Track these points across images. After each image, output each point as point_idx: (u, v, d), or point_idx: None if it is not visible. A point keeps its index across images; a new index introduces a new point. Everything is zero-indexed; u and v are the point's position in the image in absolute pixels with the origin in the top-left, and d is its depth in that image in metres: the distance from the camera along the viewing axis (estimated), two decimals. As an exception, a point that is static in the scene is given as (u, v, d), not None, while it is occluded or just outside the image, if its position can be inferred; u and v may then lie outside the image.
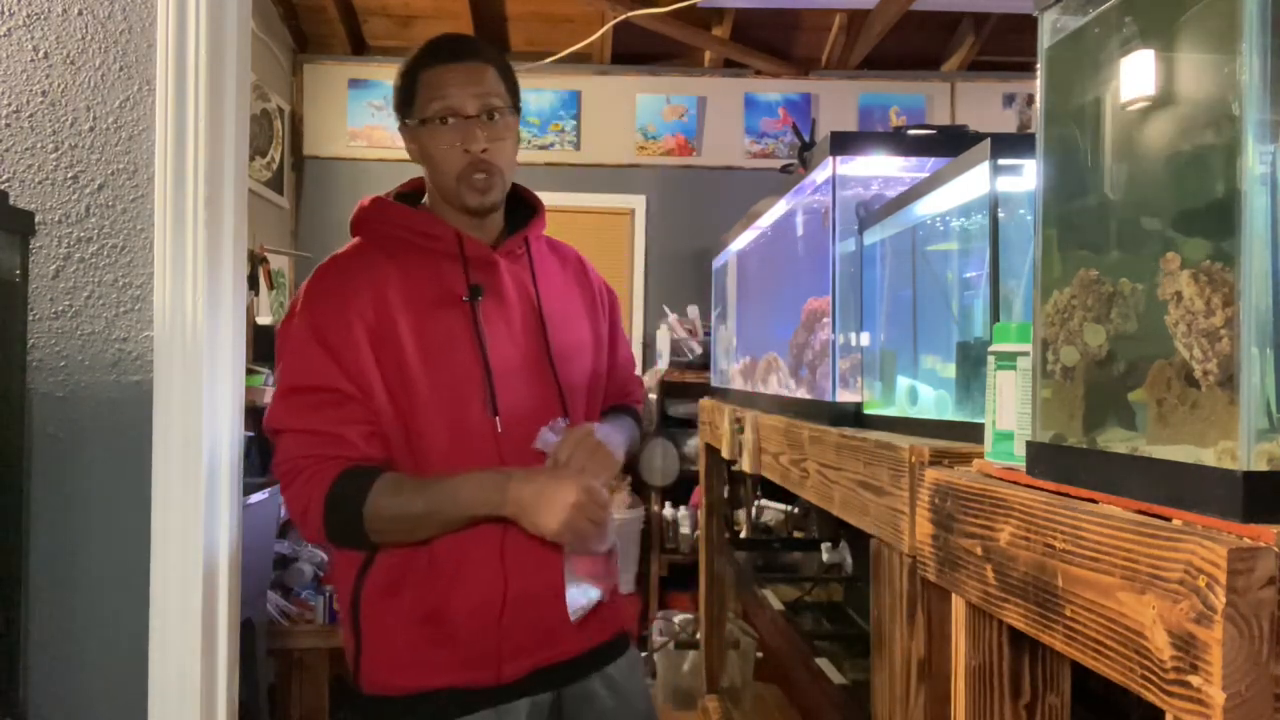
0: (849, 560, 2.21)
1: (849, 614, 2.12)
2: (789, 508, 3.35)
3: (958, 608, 0.96)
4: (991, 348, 0.95)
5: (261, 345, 3.40)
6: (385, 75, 4.87)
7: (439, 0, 4.60)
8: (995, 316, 1.14)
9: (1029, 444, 0.86)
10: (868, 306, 1.55)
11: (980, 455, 0.98)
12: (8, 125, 1.59)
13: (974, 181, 1.20)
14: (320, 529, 1.39)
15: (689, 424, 4.14)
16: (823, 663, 1.73)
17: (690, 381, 4.14)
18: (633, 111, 4.87)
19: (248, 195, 1.76)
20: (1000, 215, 1.15)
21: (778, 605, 2.15)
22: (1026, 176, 1.13)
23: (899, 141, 1.54)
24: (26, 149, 1.60)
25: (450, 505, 1.38)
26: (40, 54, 1.60)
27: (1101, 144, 0.81)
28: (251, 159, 4.08)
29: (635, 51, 4.88)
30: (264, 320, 3.79)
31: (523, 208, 1.60)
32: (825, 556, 2.30)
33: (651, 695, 2.00)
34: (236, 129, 1.67)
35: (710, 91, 4.93)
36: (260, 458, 2.82)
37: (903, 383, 1.45)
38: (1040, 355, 0.84)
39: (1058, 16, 0.85)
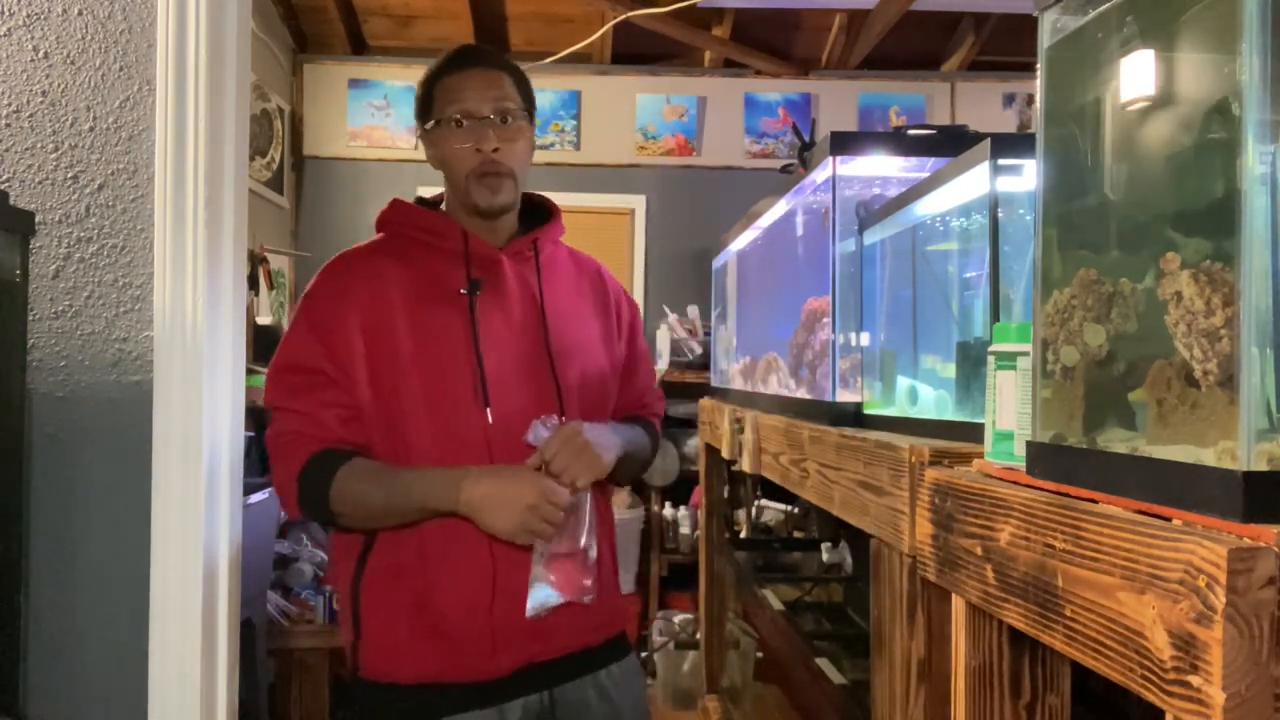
0: (849, 560, 2.21)
1: (849, 614, 2.12)
2: (789, 508, 3.35)
3: (958, 608, 0.96)
4: (991, 348, 0.95)
5: (261, 345, 3.40)
6: (385, 75, 4.88)
7: (439, 0, 4.60)
8: (995, 316, 1.14)
9: (1029, 444, 0.86)
10: (868, 306, 1.55)
11: (980, 455, 0.98)
12: (8, 125, 1.59)
13: (974, 181, 1.20)
14: (295, 505, 1.44)
15: (689, 424, 4.14)
16: (823, 663, 1.74)
17: (690, 381, 4.14)
18: (633, 111, 4.87)
19: (248, 195, 1.76)
20: (1000, 215, 1.15)
21: (778, 605, 2.15)
22: (1026, 176, 1.13)
23: (899, 141, 1.54)
24: (26, 149, 1.60)
25: (405, 499, 1.40)
26: (40, 54, 1.60)
27: (1101, 144, 0.81)
28: (251, 159, 4.08)
29: (635, 51, 4.88)
30: (264, 320, 3.79)
31: (540, 214, 1.62)
32: (825, 556, 2.30)
33: (651, 697, 1.99)
34: (236, 129, 1.67)
35: (710, 91, 4.93)
36: (260, 458, 2.82)
37: (903, 383, 1.45)
38: (1040, 355, 0.84)
39: (1058, 16, 0.85)
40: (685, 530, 4.28)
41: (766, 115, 4.92)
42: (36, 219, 1.59)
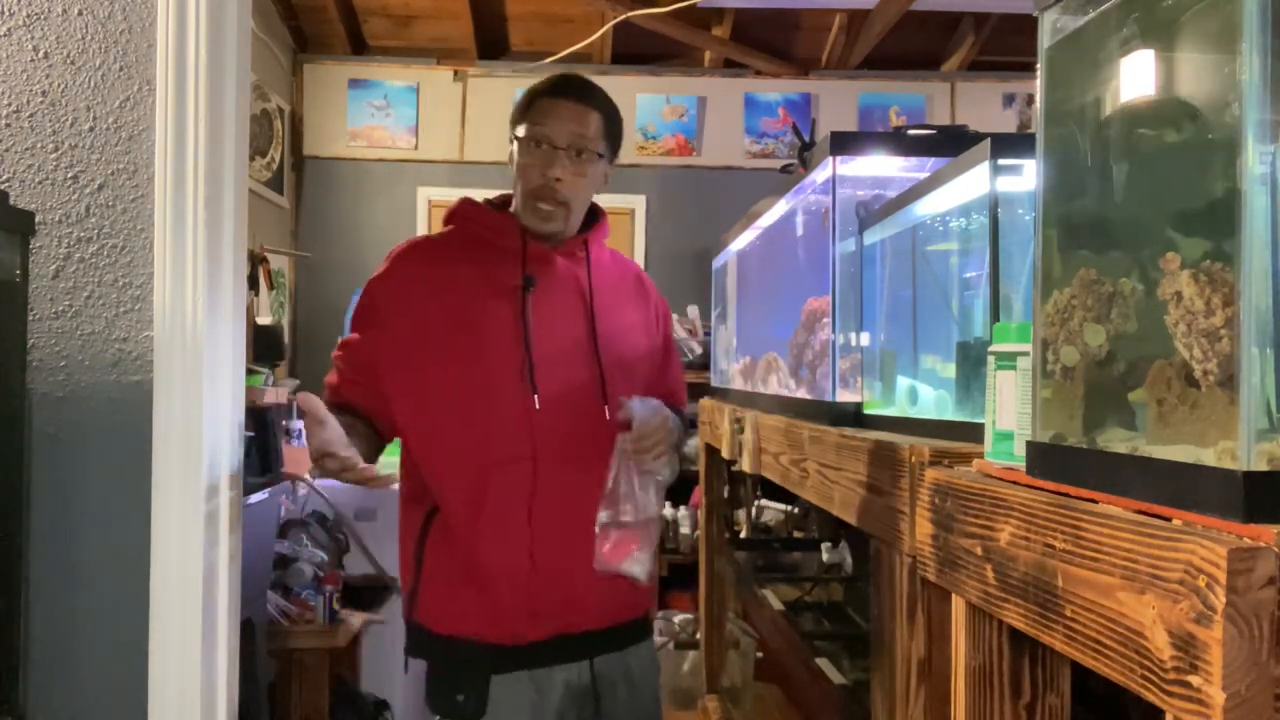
0: (849, 560, 2.21)
1: (849, 614, 2.12)
2: (789, 508, 3.35)
3: (958, 608, 0.96)
4: (991, 348, 0.95)
5: (261, 345, 3.40)
6: (385, 75, 4.88)
7: (439, 0, 4.60)
8: (995, 316, 1.14)
9: (1029, 444, 0.86)
10: (868, 306, 1.55)
11: (980, 455, 0.98)
12: (8, 125, 1.59)
13: (974, 182, 1.20)
14: None
15: (689, 424, 4.13)
16: (823, 663, 1.74)
17: (690, 381, 4.12)
18: (633, 111, 4.87)
19: (248, 195, 1.76)
20: (1000, 215, 1.15)
21: (778, 605, 2.15)
22: (1026, 176, 1.13)
23: (899, 141, 1.54)
24: (26, 149, 1.60)
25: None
26: (40, 54, 1.60)
27: (1102, 144, 0.81)
28: (251, 159, 4.08)
29: (635, 51, 4.87)
30: (264, 320, 3.78)
31: (590, 218, 1.71)
32: (825, 556, 2.30)
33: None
34: (236, 129, 1.67)
35: (710, 91, 4.93)
36: (260, 458, 2.82)
37: (903, 383, 1.45)
38: (1040, 355, 0.84)
39: (1058, 16, 0.85)
40: (685, 530, 4.28)
41: (766, 115, 4.92)
42: (36, 219, 1.59)
